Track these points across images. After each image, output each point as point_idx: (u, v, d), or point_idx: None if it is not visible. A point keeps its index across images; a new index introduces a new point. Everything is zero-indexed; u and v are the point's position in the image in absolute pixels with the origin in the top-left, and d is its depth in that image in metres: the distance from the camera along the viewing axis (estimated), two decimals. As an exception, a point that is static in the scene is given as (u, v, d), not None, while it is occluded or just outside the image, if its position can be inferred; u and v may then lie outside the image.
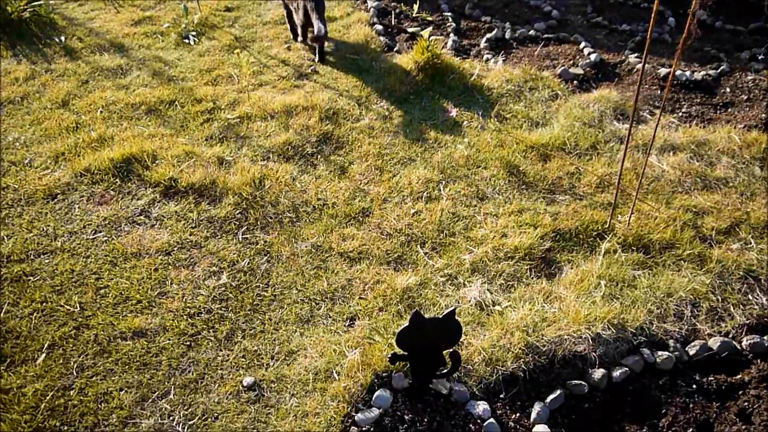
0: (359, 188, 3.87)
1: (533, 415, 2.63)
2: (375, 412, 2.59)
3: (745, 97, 4.76)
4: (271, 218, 3.64)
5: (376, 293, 3.17)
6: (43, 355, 2.85)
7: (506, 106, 4.66)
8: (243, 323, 3.04)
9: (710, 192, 3.85)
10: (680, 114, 4.65)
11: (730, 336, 2.97)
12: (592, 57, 5.27)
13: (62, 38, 5.51)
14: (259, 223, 3.60)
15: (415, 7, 6.08)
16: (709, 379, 2.78)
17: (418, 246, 3.46)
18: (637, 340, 2.92)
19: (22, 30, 5.60)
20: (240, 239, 3.49)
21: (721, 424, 2.59)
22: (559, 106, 4.66)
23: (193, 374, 2.80)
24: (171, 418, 2.62)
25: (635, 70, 5.15)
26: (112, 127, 4.38)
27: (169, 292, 3.18)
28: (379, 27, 5.85)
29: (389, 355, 2.60)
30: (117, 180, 3.86)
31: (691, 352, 2.89)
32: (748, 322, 3.03)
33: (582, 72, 5.11)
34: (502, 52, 5.48)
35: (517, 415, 2.65)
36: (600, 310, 2.98)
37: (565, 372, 2.80)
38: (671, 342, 2.93)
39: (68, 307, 3.07)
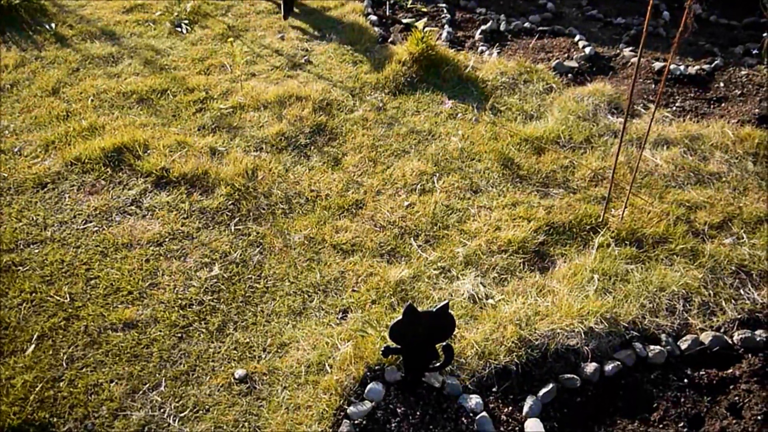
0: (353, 180, 3.84)
1: (525, 409, 2.63)
2: (367, 405, 2.59)
3: (739, 92, 4.77)
4: (263, 209, 3.62)
5: (369, 286, 3.15)
6: (33, 346, 2.82)
7: (501, 98, 4.65)
8: (235, 315, 3.02)
9: (703, 187, 3.85)
10: (674, 108, 4.65)
11: (722, 331, 2.98)
12: (587, 50, 5.26)
13: (52, 25, 5.44)
14: (251, 214, 3.58)
15: (410, -3, 6.05)
16: (701, 373, 2.79)
17: (412, 239, 3.45)
18: (629, 334, 2.93)
19: (12, 16, 5.52)
20: (232, 230, 3.47)
21: (712, 418, 2.60)
22: (554, 99, 4.65)
23: (184, 366, 2.78)
24: (162, 410, 2.61)
25: (630, 63, 5.14)
26: (103, 115, 4.34)
27: (161, 283, 3.15)
28: (374, 17, 5.81)
29: (382, 349, 2.59)
30: (108, 169, 3.82)
31: (683, 347, 2.89)
32: (739, 316, 3.04)
33: (576, 65, 5.09)
34: (497, 44, 5.46)
35: (510, 408, 2.65)
36: (593, 304, 2.99)
37: (557, 366, 2.80)
38: (663, 336, 2.94)
39: (58, 298, 3.04)
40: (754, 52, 5.37)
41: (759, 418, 2.54)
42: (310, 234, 3.46)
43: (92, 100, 4.50)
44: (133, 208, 3.58)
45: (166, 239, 3.39)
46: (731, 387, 2.72)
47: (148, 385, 2.69)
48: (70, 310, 2.99)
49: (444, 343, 2.59)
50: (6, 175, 3.77)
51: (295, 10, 5.90)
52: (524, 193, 3.77)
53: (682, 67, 5.03)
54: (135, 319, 2.96)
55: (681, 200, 3.72)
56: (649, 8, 2.88)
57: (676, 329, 2.98)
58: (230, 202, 3.63)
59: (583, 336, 2.86)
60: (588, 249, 3.38)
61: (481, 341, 2.83)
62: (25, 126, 4.20)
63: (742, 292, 3.17)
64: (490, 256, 3.32)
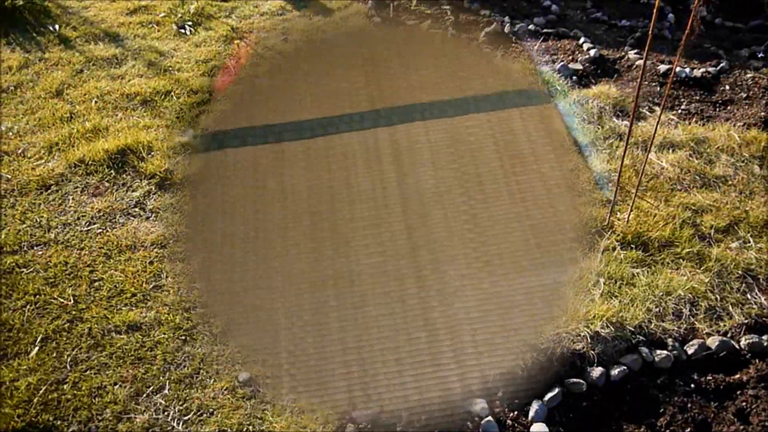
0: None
1: (531, 414, 2.61)
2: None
3: (745, 95, 4.74)
4: (267, 212, 3.61)
5: (373, 289, 3.14)
6: (36, 348, 2.81)
7: (505, 101, 4.63)
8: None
9: (709, 190, 3.83)
10: (679, 111, 4.63)
11: (729, 335, 2.96)
12: (592, 52, 5.24)
13: (56, 27, 5.43)
14: (255, 216, 3.57)
15: (414, -1, 6.04)
16: (708, 378, 2.77)
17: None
18: (635, 338, 2.91)
19: (16, 18, 5.52)
20: (236, 233, 3.46)
21: (719, 423, 2.58)
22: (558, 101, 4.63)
23: (188, 369, 2.77)
24: (166, 413, 2.60)
25: (635, 66, 5.12)
26: (107, 117, 4.33)
27: (164, 285, 3.14)
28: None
29: (387, 352, 2.58)
30: (112, 171, 3.82)
31: (690, 352, 2.88)
32: (746, 321, 3.02)
33: (581, 67, 5.07)
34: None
35: (516, 413, 2.63)
36: (599, 308, 2.97)
37: (563, 370, 2.79)
38: (670, 341, 2.92)
39: (62, 300, 3.03)
40: (760, 55, 5.35)
41: (767, 424, 2.52)
42: (315, 236, 3.45)
43: (96, 102, 4.49)
44: (136, 210, 3.57)
45: (170, 241, 3.38)
46: (738, 392, 2.70)
47: (151, 388, 2.69)
48: (73, 312, 2.98)
49: (449, 347, 2.58)
50: (10, 176, 3.76)
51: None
52: (529, 196, 3.76)
53: (687, 70, 5.01)
54: (139, 321, 2.95)
55: (687, 204, 3.70)
56: (655, 11, 2.87)
57: (683, 334, 2.97)
58: (234, 205, 3.62)
59: (589, 340, 2.85)
60: (593, 252, 3.36)
61: (487, 345, 2.82)
62: (29, 127, 4.20)
63: (749, 296, 3.15)
64: (495, 259, 3.31)
